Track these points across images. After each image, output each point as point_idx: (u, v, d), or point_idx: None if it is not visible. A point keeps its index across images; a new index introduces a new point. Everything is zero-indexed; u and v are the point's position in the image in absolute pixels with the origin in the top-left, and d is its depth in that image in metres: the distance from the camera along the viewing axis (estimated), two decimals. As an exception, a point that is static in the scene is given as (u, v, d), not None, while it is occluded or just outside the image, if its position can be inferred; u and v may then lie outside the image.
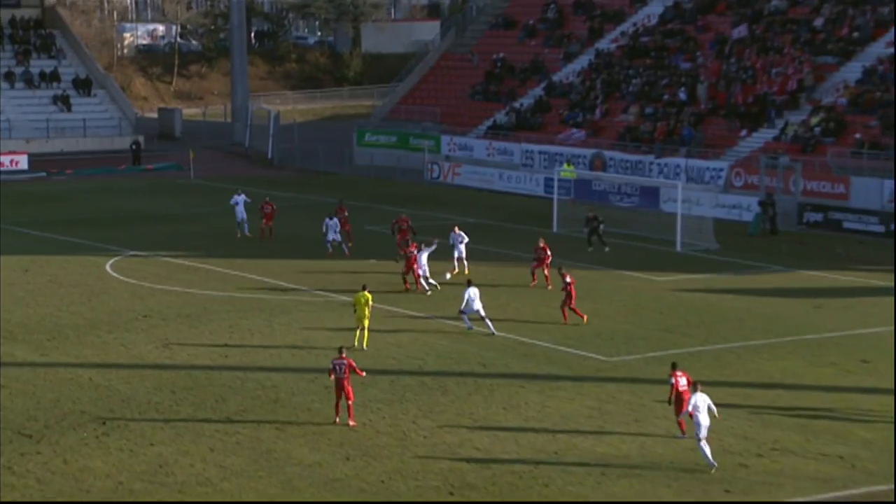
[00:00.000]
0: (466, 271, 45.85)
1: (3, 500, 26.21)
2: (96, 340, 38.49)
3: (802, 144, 63.73)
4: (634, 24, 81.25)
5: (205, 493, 26.46)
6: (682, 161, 66.26)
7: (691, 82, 72.02)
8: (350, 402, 30.48)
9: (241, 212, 56.30)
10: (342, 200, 56.40)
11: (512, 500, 26.32)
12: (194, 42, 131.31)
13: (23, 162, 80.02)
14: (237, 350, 37.39)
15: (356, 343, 36.63)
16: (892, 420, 30.66)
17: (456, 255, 47.55)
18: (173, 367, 35.57)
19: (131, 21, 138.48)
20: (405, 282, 44.78)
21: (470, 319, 39.12)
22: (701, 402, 27.64)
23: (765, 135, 66.52)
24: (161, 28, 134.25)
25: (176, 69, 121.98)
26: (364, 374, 31.54)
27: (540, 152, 72.69)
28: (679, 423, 29.27)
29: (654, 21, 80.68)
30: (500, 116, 78.50)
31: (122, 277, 47.70)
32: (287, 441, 29.42)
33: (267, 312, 41.87)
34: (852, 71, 67.45)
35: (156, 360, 36.44)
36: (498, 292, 44.34)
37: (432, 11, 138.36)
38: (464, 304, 38.82)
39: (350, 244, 52.33)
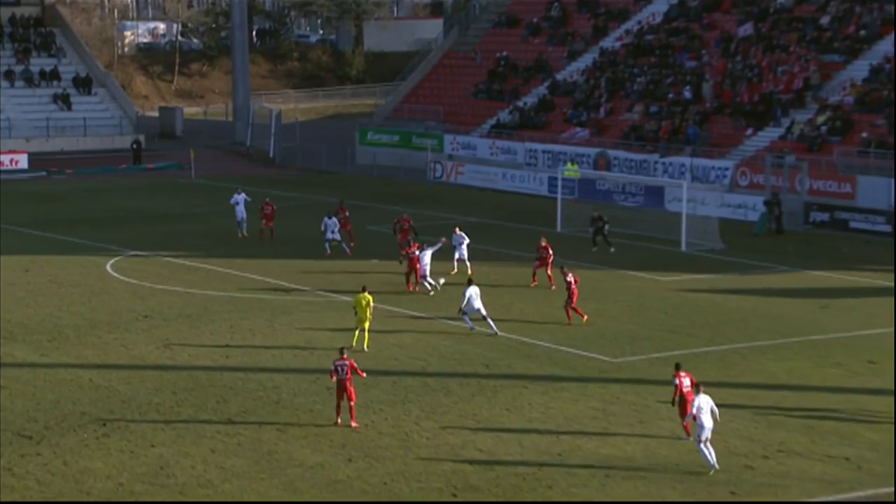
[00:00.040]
0: (469, 272, 45.62)
1: (3, 501, 26.12)
2: (97, 341, 38.36)
3: (809, 143, 63.52)
4: (639, 23, 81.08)
5: (206, 495, 26.37)
6: (687, 160, 66.06)
7: (696, 81, 71.83)
8: (352, 404, 30.32)
9: (241, 211, 56.13)
10: (343, 200, 56.22)
11: (515, 501, 26.19)
12: (195, 40, 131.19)
13: (23, 161, 79.89)
14: (238, 351, 37.25)
15: (354, 344, 36.39)
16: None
17: (457, 255, 47.37)
18: (174, 368, 35.44)
19: (132, 19, 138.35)
20: (408, 283, 44.54)
21: (471, 319, 38.91)
22: (704, 404, 27.52)
23: (771, 134, 66.33)
24: (162, 26, 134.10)
25: (177, 68, 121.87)
26: (365, 374, 31.36)
27: (544, 151, 72.48)
28: (685, 427, 29.04)
29: (658, 19, 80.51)
30: (504, 115, 78.33)
31: (122, 277, 47.56)
32: (289, 442, 29.30)
33: (268, 313, 41.72)
34: (859, 69, 67.25)
35: (156, 360, 36.31)
36: (501, 292, 44.19)
37: (435, 9, 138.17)
38: (464, 302, 38.65)
39: (353, 244, 52.13)
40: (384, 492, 26.51)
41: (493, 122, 78.44)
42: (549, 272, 45.03)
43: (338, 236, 51.48)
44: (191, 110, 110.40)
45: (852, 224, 57.86)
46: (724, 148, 66.58)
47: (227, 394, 32.99)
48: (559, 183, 60.32)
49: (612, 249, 51.99)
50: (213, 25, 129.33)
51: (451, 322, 40.02)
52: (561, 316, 40.39)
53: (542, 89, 79.37)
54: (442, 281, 44.47)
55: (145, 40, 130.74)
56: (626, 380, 34.36)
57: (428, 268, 44.32)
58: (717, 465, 27.28)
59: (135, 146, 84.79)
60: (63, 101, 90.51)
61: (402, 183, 74.56)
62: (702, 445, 27.34)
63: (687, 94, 71.33)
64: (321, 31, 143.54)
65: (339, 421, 30.36)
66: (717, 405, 28.06)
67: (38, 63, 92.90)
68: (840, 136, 63.17)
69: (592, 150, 70.36)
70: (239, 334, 39.05)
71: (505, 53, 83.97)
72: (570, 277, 40.21)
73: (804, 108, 66.67)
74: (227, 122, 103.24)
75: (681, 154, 66.99)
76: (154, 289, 45.44)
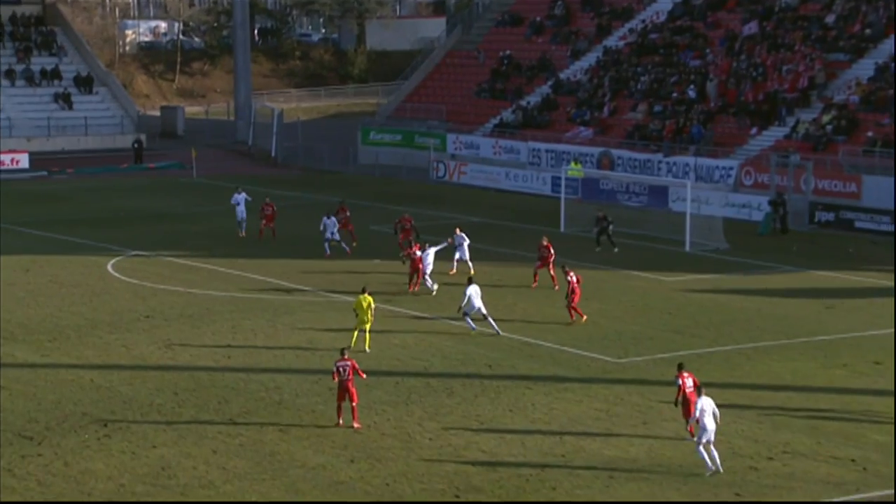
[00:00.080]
0: (472, 272, 45.46)
1: (3, 502, 26.08)
2: (98, 341, 38.25)
3: (814, 143, 63.37)
4: (643, 21, 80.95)
5: (207, 496, 26.30)
6: (691, 160, 65.92)
7: (701, 80, 71.69)
8: (354, 404, 30.19)
9: (241, 211, 55.98)
10: (343, 200, 56.07)
11: (518, 502, 26.10)
12: (197, 39, 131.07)
13: (24, 161, 79.73)
14: (240, 351, 37.13)
15: (353, 344, 36.19)
16: (899, 422, 30.36)
17: (457, 256, 47.22)
18: (175, 369, 35.33)
19: (133, 18, 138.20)
20: (411, 284, 44.36)
21: (472, 319, 38.72)
22: (707, 406, 27.38)
23: (775, 133, 66.19)
24: (163, 25, 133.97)
25: (178, 67, 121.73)
26: (365, 376, 31.21)
27: (547, 151, 72.33)
28: (689, 429, 28.86)
29: (662, 18, 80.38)
30: (507, 114, 78.20)
31: (123, 277, 47.44)
32: (291, 443, 29.20)
33: (270, 313, 41.59)
34: (864, 68, 67.11)
35: (158, 361, 36.20)
36: (504, 293, 44.07)
37: (438, 8, 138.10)
38: (464, 301, 38.50)
39: (355, 244, 51.98)
40: (386, 493, 26.41)
41: (496, 121, 78.30)
42: (551, 272, 44.86)
43: (337, 236, 51.30)
44: (192, 109, 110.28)
45: (858, 224, 57.72)
46: (729, 147, 66.43)
47: (229, 394, 32.87)
48: (562, 182, 60.13)
49: (616, 249, 51.83)
50: (215, 24, 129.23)
51: (453, 322, 39.87)
52: (564, 316, 40.24)
53: (545, 88, 79.24)
54: (435, 287, 44.12)
55: (147, 39, 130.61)
56: (630, 380, 34.24)
57: (430, 267, 44.17)
58: (712, 468, 27.14)
59: (136, 146, 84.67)
60: (64, 100, 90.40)
61: (405, 182, 74.43)
62: (701, 447, 27.24)
63: (691, 93, 71.18)
64: (323, 30, 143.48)
65: (341, 422, 30.21)
66: (722, 406, 28.03)
67: (39, 62, 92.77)
68: (845, 135, 63.00)
69: (596, 150, 70.21)
70: (241, 334, 38.93)
71: (508, 52, 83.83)
72: (573, 277, 40.06)
73: (809, 107, 66.52)
74: (228, 121, 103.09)
75: (685, 153, 66.85)
76: (155, 289, 45.32)
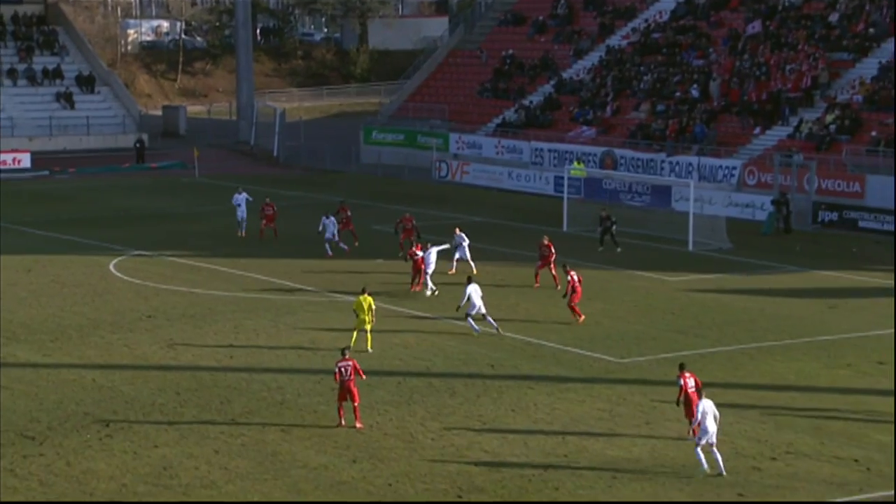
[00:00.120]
0: (474, 272, 45.40)
1: (5, 502, 26.05)
2: (100, 341, 38.22)
3: (817, 142, 63.30)
4: (646, 21, 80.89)
5: (209, 496, 26.27)
6: (694, 159, 65.84)
7: (704, 79, 71.62)
8: (356, 404, 30.15)
9: (242, 211, 55.94)
10: (344, 200, 56.01)
11: (521, 502, 26.06)
12: (199, 39, 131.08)
13: (25, 160, 79.75)
14: (242, 351, 37.09)
15: (352, 344, 36.09)
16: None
17: (457, 256, 47.15)
18: (178, 368, 35.30)
19: (135, 17, 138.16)
20: (412, 283, 44.29)
21: (473, 319, 38.59)
22: (708, 409, 27.33)
23: (779, 132, 66.13)
24: (165, 24, 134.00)
25: (180, 66, 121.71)
26: (365, 377, 31.14)
27: (550, 150, 72.28)
28: (693, 431, 28.75)
29: (665, 17, 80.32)
30: (510, 114, 78.14)
31: (125, 277, 47.41)
32: (293, 443, 29.16)
33: (272, 313, 41.55)
34: (868, 67, 67.04)
35: (160, 360, 36.16)
36: (507, 292, 44.02)
37: (440, 7, 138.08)
38: (464, 300, 38.45)
39: (356, 244, 51.93)
40: (389, 493, 26.38)
41: (498, 120, 78.25)
42: (552, 271, 44.78)
43: (336, 236, 51.20)
44: (194, 109, 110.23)
45: (861, 223, 57.63)
46: (732, 147, 66.36)
47: (231, 394, 32.83)
48: (565, 182, 60.09)
49: (619, 249, 51.76)
50: (217, 24, 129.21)
51: (455, 322, 39.79)
52: (566, 316, 40.16)
53: (548, 88, 79.18)
54: (430, 292, 44.03)
55: (148, 38, 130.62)
56: (633, 380, 34.19)
57: (432, 267, 44.11)
58: (723, 471, 27.07)
59: (138, 145, 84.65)
60: (66, 99, 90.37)
61: (407, 182, 74.37)
62: (699, 449, 27.18)
63: (694, 92, 71.10)
64: (325, 30, 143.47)
65: (343, 422, 30.15)
66: (725, 406, 28.07)
67: (41, 61, 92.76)
68: (849, 134, 62.93)
69: (599, 149, 70.15)
70: (243, 334, 38.89)
71: (511, 52, 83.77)
72: (574, 276, 39.98)
73: (812, 106, 66.46)
74: (230, 120, 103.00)
75: (688, 153, 66.78)
76: (157, 288, 45.28)
